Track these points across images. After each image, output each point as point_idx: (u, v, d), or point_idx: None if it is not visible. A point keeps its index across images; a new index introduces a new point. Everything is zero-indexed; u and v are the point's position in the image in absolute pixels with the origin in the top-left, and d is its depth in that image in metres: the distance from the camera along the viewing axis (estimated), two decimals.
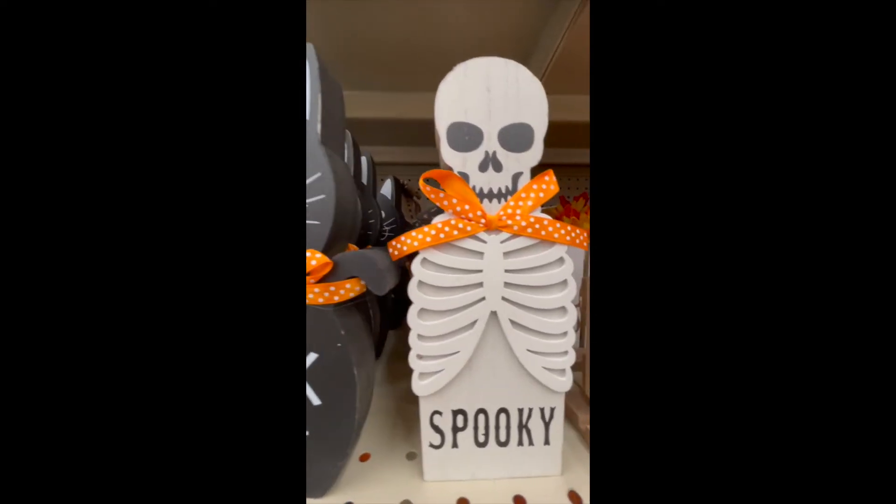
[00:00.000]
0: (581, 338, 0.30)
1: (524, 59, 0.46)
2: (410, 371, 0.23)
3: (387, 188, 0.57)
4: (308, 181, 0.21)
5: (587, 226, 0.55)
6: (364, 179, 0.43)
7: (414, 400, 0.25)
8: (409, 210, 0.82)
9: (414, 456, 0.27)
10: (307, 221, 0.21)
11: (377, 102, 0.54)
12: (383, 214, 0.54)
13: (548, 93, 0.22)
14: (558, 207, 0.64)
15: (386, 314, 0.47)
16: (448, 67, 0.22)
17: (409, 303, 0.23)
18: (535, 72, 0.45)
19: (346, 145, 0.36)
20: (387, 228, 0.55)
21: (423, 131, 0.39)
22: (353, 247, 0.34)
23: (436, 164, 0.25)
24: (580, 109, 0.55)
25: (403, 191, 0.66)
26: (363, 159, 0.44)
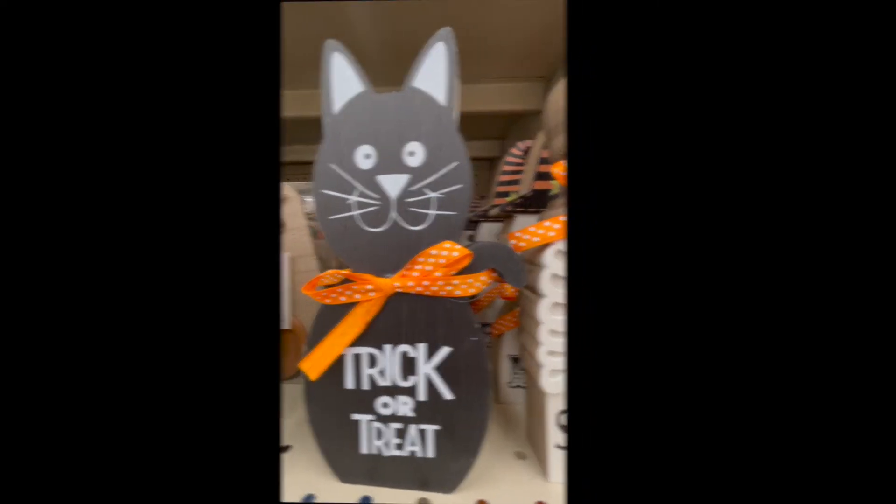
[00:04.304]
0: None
1: None
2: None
3: None
4: (445, 170, 0.21)
5: None
6: None
7: (497, 398, 0.24)
8: None
9: (523, 456, 0.26)
10: (444, 213, 0.21)
11: None
12: None
13: None
14: None
15: None
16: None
17: None
18: None
19: None
20: None
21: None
22: None
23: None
24: None
25: None
26: None
